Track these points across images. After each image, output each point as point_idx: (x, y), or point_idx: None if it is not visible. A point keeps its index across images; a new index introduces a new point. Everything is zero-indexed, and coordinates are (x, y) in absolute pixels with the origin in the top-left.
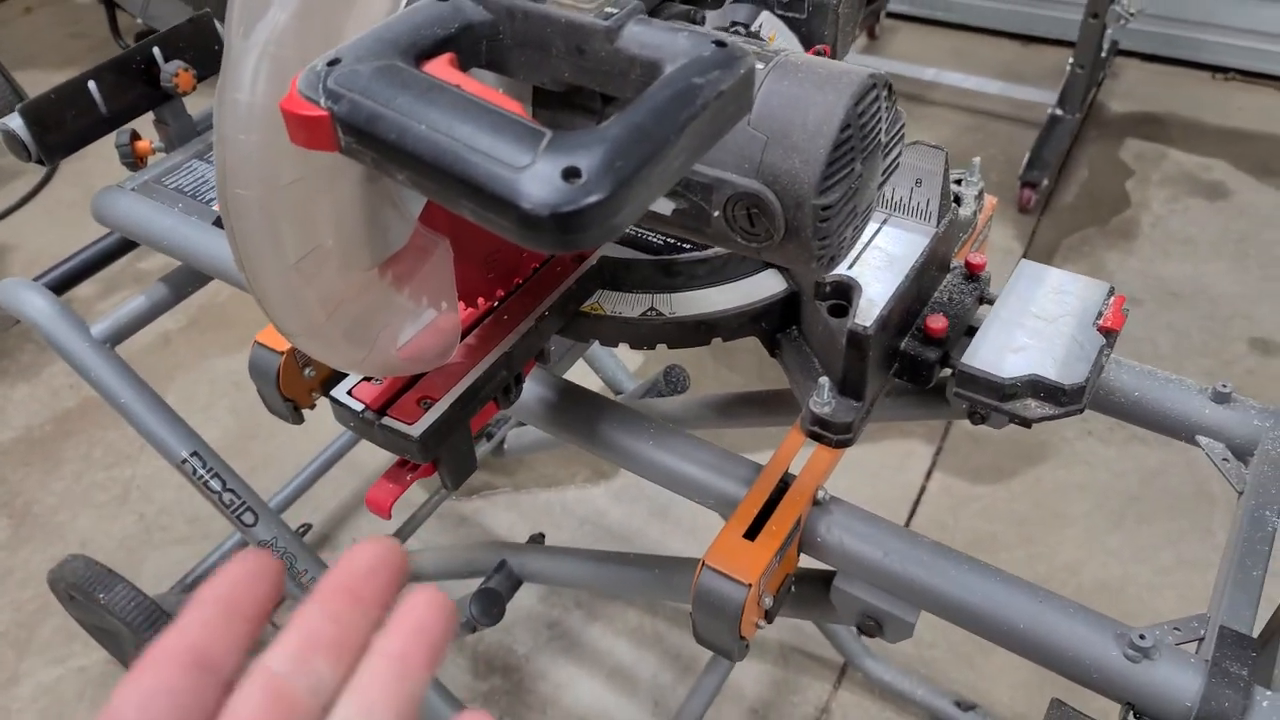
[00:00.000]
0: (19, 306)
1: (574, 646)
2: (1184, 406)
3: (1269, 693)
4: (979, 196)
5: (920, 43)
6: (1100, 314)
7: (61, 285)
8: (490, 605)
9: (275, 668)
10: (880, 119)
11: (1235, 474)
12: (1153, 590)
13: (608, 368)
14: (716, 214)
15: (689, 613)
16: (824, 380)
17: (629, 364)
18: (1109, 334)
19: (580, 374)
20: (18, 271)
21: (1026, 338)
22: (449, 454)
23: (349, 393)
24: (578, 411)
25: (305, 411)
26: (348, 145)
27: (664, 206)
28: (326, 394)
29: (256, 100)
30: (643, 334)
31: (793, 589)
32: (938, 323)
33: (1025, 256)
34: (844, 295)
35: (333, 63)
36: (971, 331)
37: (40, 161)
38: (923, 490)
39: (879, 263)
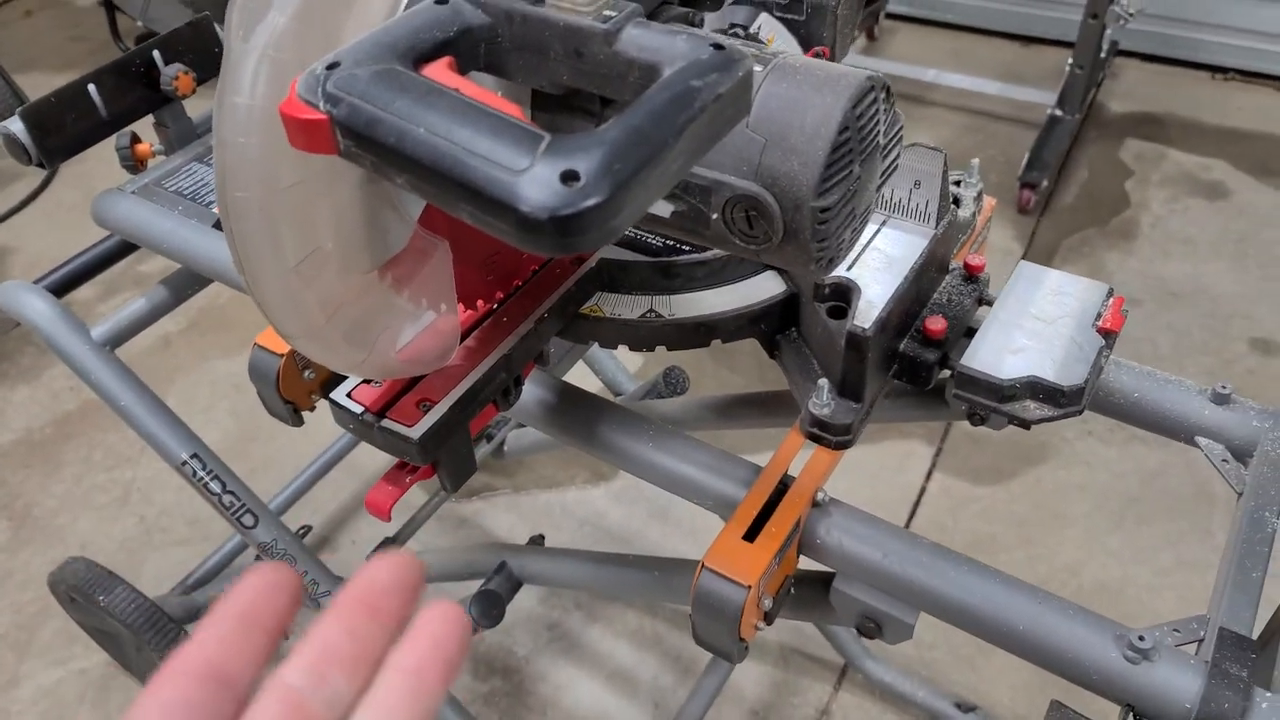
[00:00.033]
0: (19, 309)
1: (574, 648)
2: (1183, 407)
3: (1268, 694)
4: (978, 198)
5: (919, 44)
6: (1099, 315)
7: (62, 288)
8: (490, 607)
9: (291, 681)
10: (878, 121)
11: (1235, 475)
12: (1152, 591)
13: (607, 369)
14: (715, 216)
15: (689, 614)
16: (823, 382)
17: (629, 365)
18: (1108, 335)
19: (580, 375)
20: (18, 274)
21: (1025, 339)
22: (448, 456)
23: (348, 395)
24: (577, 413)
25: (305, 414)
26: (347, 148)
27: (663, 209)
28: (326, 396)
29: (256, 103)
30: (642, 336)
31: (792, 590)
32: (937, 324)
33: (1025, 257)
34: (843, 297)
35: (332, 66)
36: (970, 333)
37: (40, 164)
38: (922, 491)
39: (878, 264)
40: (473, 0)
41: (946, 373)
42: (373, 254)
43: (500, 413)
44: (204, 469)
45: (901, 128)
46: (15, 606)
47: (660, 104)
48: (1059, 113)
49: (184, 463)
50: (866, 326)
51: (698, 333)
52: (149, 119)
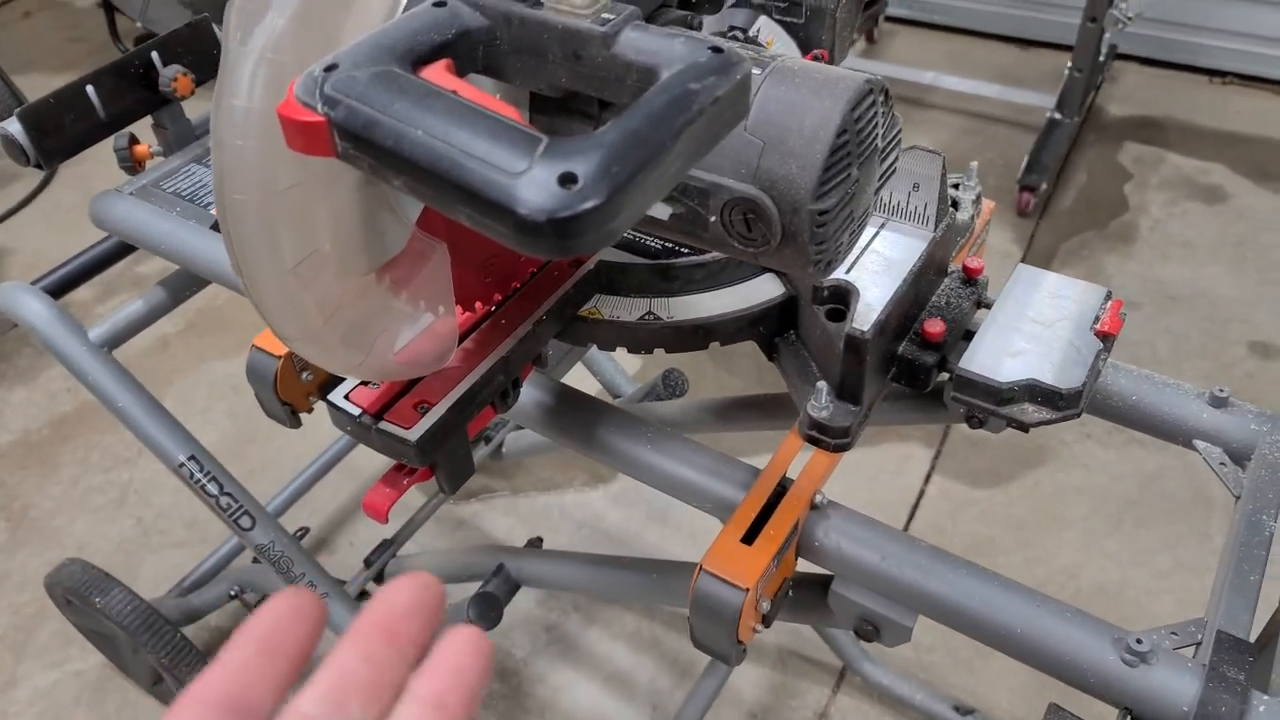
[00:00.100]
0: (16, 310)
1: (572, 650)
2: (1181, 411)
3: (1266, 697)
4: (976, 201)
5: (918, 46)
6: (1097, 318)
7: (59, 289)
8: (488, 609)
9: (308, 710)
10: (877, 124)
11: (1232, 478)
12: (1151, 594)
13: (606, 371)
14: (713, 219)
15: (687, 617)
16: (822, 384)
17: (628, 368)
18: (1106, 338)
19: (579, 377)
20: (16, 275)
21: (1024, 342)
22: (446, 458)
23: (346, 397)
24: (575, 416)
25: (303, 415)
26: (345, 151)
27: (661, 211)
28: (324, 398)
29: (254, 105)
30: (640, 338)
31: (790, 593)
32: (935, 327)
33: (1024, 260)
34: (841, 299)
35: (330, 68)
36: (969, 335)
37: (38, 165)
38: (921, 494)
39: (876, 267)
40: (471, 3)
41: (945, 375)
42: (371, 256)
43: (498, 415)
44: (201, 471)
45: (900, 130)
46: (12, 608)
47: (658, 107)
48: (1058, 116)
49: (181, 464)
50: (865, 329)
51: (696, 335)
52: (147, 120)
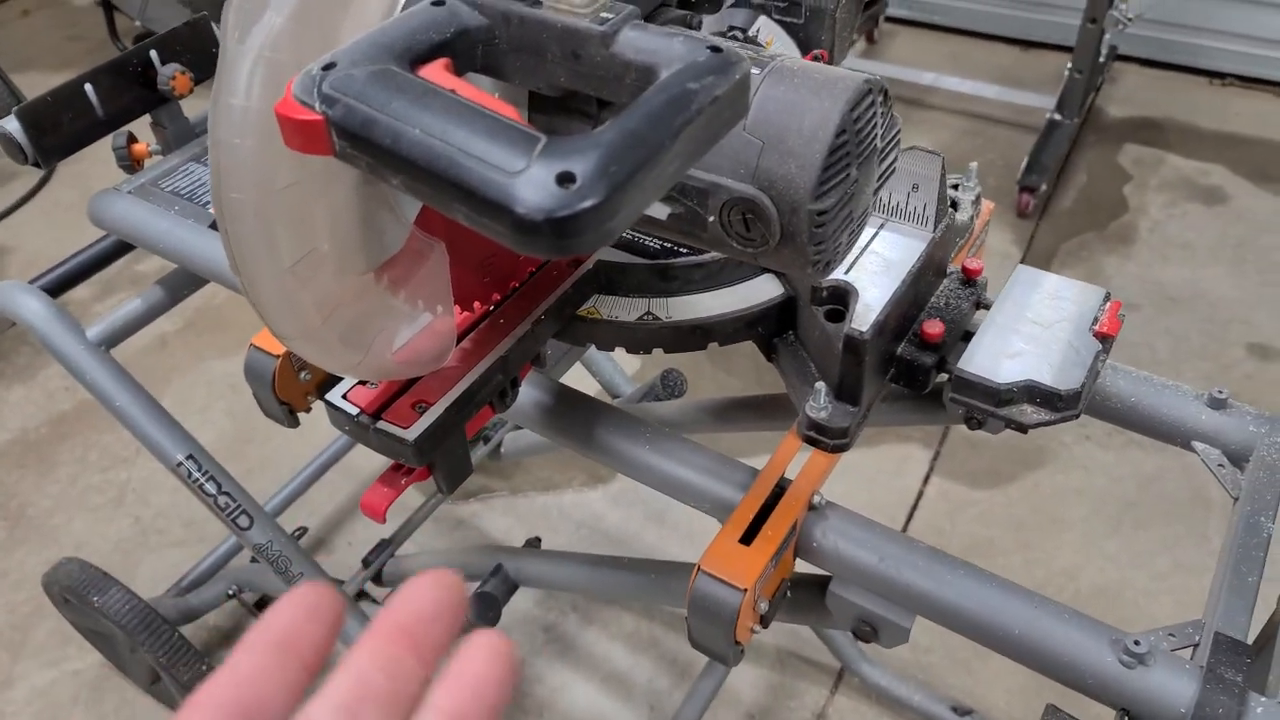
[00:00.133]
0: (14, 309)
1: (570, 650)
2: (1180, 412)
3: (1263, 699)
4: (976, 201)
5: (918, 47)
6: (1096, 319)
7: (57, 288)
8: (486, 609)
9: (321, 719)
10: (876, 124)
11: (1231, 480)
12: (1149, 595)
13: (605, 371)
14: (712, 219)
15: (685, 617)
16: (820, 385)
17: (627, 368)
18: (1105, 339)
19: (578, 377)
20: (15, 273)
21: (1023, 343)
22: (444, 458)
23: (344, 396)
24: (574, 416)
25: (302, 415)
26: (342, 150)
27: (660, 211)
28: (322, 397)
29: (251, 104)
30: (639, 338)
31: (788, 594)
32: (934, 328)
33: (1024, 261)
34: (840, 300)
35: (328, 67)
36: (968, 336)
37: (36, 164)
38: (920, 495)
39: (875, 268)
40: (470, 1)
41: (944, 376)
42: (369, 255)
43: (497, 415)
44: (199, 470)
45: (899, 131)
46: (9, 607)
47: (657, 106)
48: (1058, 117)
49: (179, 464)
50: (864, 330)
51: (695, 335)
52: (146, 119)
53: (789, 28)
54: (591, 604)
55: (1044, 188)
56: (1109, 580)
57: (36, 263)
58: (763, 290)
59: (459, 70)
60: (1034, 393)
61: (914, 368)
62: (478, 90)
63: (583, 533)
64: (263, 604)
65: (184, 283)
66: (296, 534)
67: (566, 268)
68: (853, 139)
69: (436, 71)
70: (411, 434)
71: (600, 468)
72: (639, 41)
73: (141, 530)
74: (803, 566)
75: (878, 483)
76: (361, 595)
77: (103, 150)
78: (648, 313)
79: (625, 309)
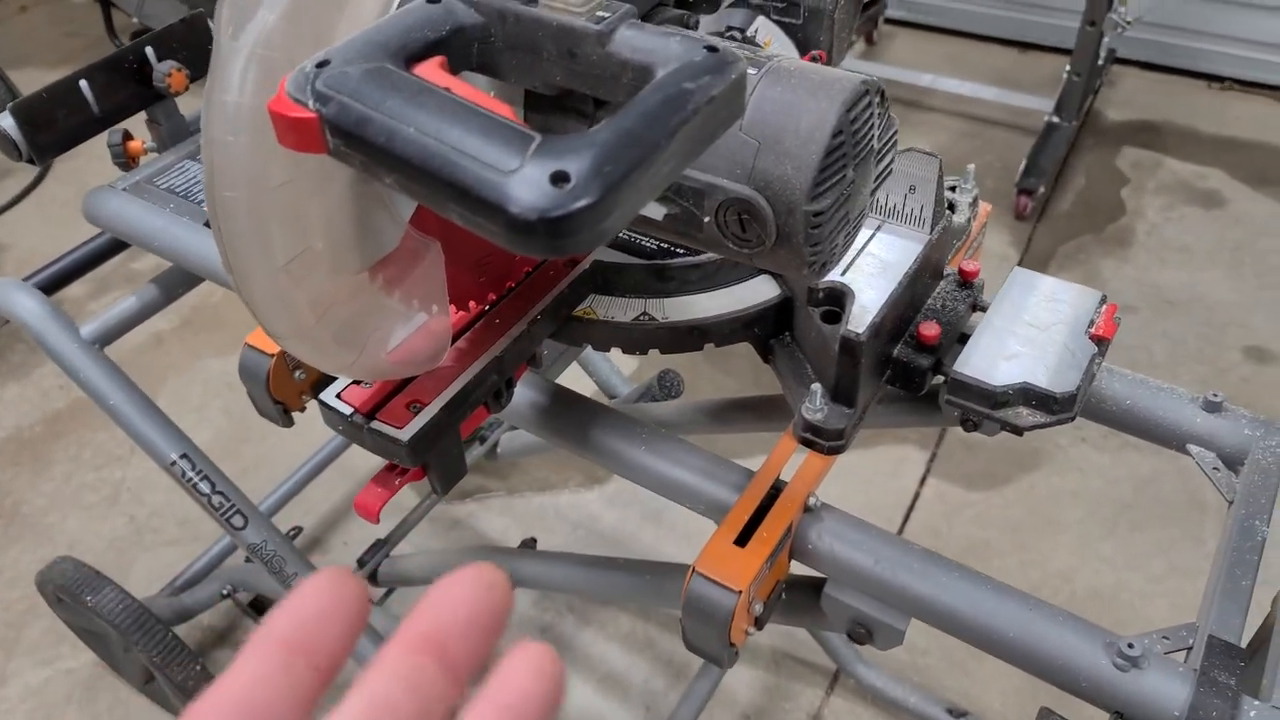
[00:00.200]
0: (8, 306)
1: (566, 651)
2: (1175, 415)
3: (1256, 702)
4: (973, 204)
5: (917, 49)
6: (1092, 322)
7: (52, 285)
8: None
9: None
10: (873, 125)
11: (1226, 483)
12: (1145, 598)
13: (601, 371)
14: (708, 219)
15: (680, 619)
16: (816, 386)
17: (624, 368)
18: (1101, 342)
19: (574, 377)
20: (10, 271)
21: (1019, 345)
22: (438, 459)
23: (338, 396)
24: (570, 416)
25: (298, 414)
26: (336, 148)
27: (655, 211)
28: (316, 397)
29: (245, 102)
30: (635, 339)
31: (783, 596)
32: (930, 330)
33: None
34: (837, 301)
35: (322, 64)
36: (964, 339)
37: (31, 161)
38: (916, 497)
39: (872, 269)
40: (465, 0)
41: (940, 378)
42: (363, 254)
43: (492, 415)
44: (193, 469)
45: (896, 132)
46: (3, 605)
47: (653, 106)
48: (1056, 119)
49: (173, 463)
50: (860, 331)
51: (691, 336)
52: (142, 115)
53: (787, 28)
54: (588, 605)
55: (1042, 190)
56: (1104, 582)
57: (31, 260)
58: (759, 291)
59: (454, 68)
60: (1029, 395)
61: (910, 369)
62: (473, 89)
63: (579, 533)
64: (257, 604)
65: (179, 281)
66: (291, 534)
67: (563, 268)
68: (849, 140)
69: (431, 70)
70: (406, 434)
71: (597, 468)
72: (635, 40)
73: (136, 529)
74: (798, 568)
75: (874, 484)
76: None
77: (98, 147)
78: (644, 313)
79: (621, 309)
